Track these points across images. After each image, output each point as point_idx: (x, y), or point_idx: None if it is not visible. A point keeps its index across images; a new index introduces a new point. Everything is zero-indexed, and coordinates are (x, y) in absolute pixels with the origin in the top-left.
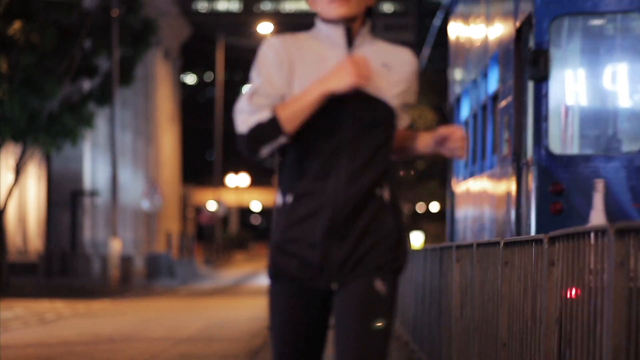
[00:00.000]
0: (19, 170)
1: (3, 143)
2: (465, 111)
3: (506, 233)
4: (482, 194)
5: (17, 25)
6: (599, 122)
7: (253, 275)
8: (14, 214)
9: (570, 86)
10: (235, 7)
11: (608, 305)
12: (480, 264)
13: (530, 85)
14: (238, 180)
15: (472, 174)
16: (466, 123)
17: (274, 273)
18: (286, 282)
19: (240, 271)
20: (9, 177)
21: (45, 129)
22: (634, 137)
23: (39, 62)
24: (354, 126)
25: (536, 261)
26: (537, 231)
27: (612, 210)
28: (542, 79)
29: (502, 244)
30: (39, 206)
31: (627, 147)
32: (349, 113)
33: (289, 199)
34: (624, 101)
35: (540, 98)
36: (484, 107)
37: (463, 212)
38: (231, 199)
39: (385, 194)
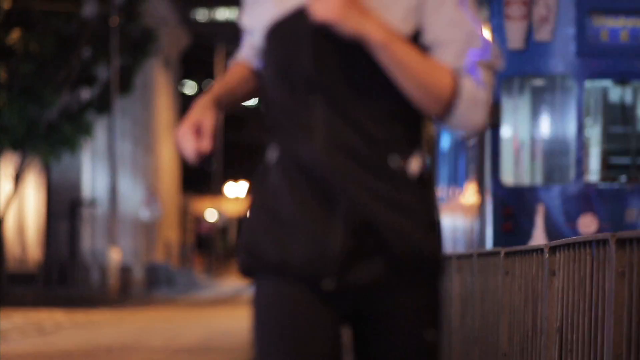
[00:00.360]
0: (18, 180)
1: (2, 152)
2: (445, 142)
3: (473, 244)
4: (457, 210)
5: (15, 34)
6: (540, 159)
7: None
8: (13, 224)
9: (519, 131)
10: (234, 16)
11: (609, 315)
12: (480, 274)
13: (488, 131)
14: (238, 188)
15: (450, 193)
16: (447, 152)
17: (249, 264)
18: (269, 276)
19: (239, 281)
20: (8, 186)
21: (45, 138)
22: (566, 171)
23: (37, 70)
24: (322, 60)
25: (537, 271)
26: (494, 245)
27: (551, 229)
28: (495, 126)
29: (502, 254)
30: (38, 216)
31: (561, 179)
32: (309, 40)
33: (270, 156)
34: (559, 143)
35: (495, 141)
36: (458, 143)
37: (444, 224)
38: (231, 208)
39: (411, 165)
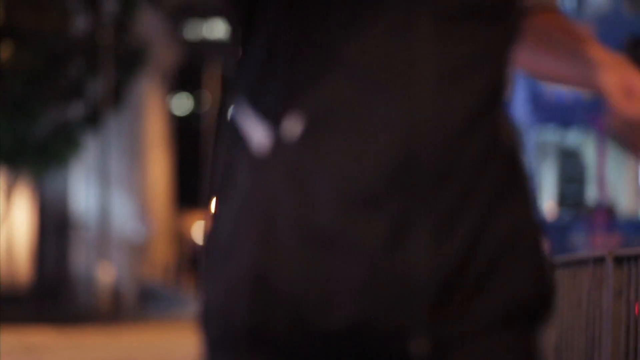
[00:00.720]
0: (8, 197)
1: None
2: None
3: None
4: None
5: (6, 50)
6: None
7: None
8: (3, 242)
9: None
10: (226, 30)
11: (606, 334)
12: None
13: None
14: None
15: None
16: None
17: (226, 331)
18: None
19: None
20: None
21: (35, 153)
22: None
23: (28, 86)
24: None
25: None
26: None
27: None
28: None
29: None
30: (28, 234)
31: None
32: None
33: (292, 128)
34: None
35: None
36: None
37: None
38: None
39: (503, 131)
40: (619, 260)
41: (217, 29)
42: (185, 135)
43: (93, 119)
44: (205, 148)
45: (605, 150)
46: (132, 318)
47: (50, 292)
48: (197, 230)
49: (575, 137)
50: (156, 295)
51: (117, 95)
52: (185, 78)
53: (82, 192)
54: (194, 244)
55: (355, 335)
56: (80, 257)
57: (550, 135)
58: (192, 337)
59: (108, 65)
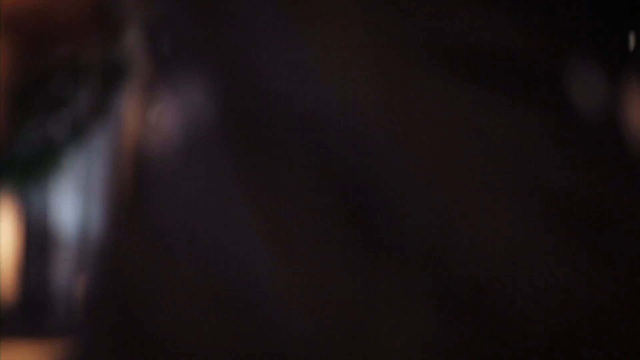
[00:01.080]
0: None
1: None
2: None
3: None
4: None
5: None
6: None
7: None
8: None
9: None
10: None
11: None
12: None
13: None
14: None
15: None
16: None
17: None
18: None
19: None
20: None
21: (18, 169)
22: None
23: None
24: None
25: None
26: None
27: None
28: None
29: None
30: (11, 248)
31: None
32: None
33: None
34: None
35: None
36: None
37: None
38: None
39: None
40: None
41: None
42: None
43: (77, 134)
44: None
45: None
46: None
47: (34, 309)
48: None
49: None
50: None
51: (102, 109)
52: None
53: (66, 206)
54: None
55: None
56: (64, 273)
57: None
58: None
59: (92, 79)
